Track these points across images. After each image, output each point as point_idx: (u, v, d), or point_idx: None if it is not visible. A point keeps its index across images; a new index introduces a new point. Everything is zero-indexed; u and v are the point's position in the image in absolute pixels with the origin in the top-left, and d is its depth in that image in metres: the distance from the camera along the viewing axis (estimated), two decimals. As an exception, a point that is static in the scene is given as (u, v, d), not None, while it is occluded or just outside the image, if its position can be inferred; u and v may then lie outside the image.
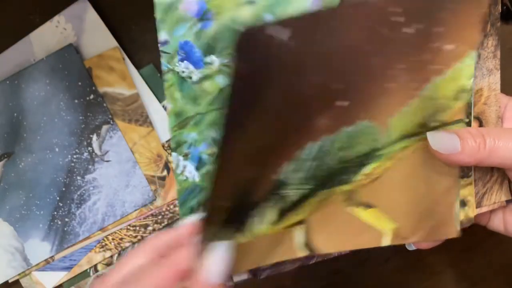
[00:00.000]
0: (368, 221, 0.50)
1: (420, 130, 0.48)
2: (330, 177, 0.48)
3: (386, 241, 0.50)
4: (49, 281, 0.74)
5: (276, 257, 0.49)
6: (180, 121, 0.46)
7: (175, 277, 0.40)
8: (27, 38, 0.74)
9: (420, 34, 0.44)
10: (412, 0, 0.42)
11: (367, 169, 0.49)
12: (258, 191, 0.45)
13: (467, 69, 0.47)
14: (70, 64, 0.73)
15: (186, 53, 0.44)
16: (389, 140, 0.48)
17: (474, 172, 0.51)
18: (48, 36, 0.74)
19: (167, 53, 0.45)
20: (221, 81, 0.46)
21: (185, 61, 0.45)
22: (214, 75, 0.45)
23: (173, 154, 0.47)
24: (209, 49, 0.45)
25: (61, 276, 0.74)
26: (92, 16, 0.74)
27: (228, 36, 0.45)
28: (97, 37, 0.74)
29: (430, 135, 0.48)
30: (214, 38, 0.45)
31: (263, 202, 0.46)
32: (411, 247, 0.52)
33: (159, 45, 0.44)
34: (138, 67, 0.74)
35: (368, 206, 0.50)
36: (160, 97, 0.74)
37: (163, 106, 0.74)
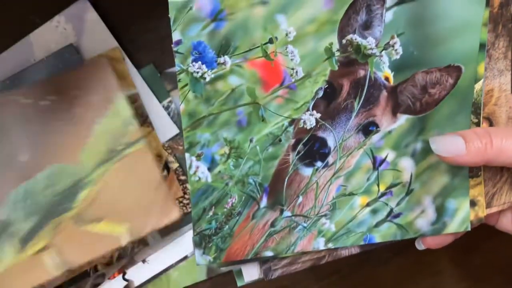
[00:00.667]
0: (103, 230, 0.63)
1: (112, 155, 0.63)
2: (51, 208, 0.62)
3: (125, 239, 0.61)
4: (48, 282, 0.73)
5: (31, 282, 0.62)
6: (193, 121, 0.46)
7: None
8: (27, 38, 0.74)
9: (58, 101, 0.66)
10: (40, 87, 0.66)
11: (81, 196, 0.62)
12: None
13: (122, 106, 0.65)
14: (71, 64, 0.72)
15: (200, 54, 0.44)
16: (87, 171, 0.63)
17: (484, 172, 0.51)
18: (48, 36, 0.74)
19: (180, 53, 0.44)
20: (234, 81, 0.45)
21: (198, 62, 0.45)
22: (227, 75, 0.45)
23: (186, 154, 0.47)
24: (222, 49, 0.45)
25: (61, 277, 0.73)
26: (92, 16, 0.73)
27: (241, 36, 0.45)
28: (97, 37, 0.74)
29: (431, 141, 0.47)
30: (227, 38, 0.45)
31: None
32: (421, 247, 0.52)
33: (172, 45, 0.44)
34: (138, 67, 0.73)
35: (98, 220, 0.62)
36: (160, 97, 0.73)
37: (163, 106, 0.74)
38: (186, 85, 0.45)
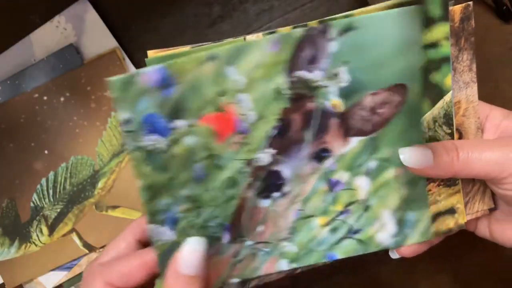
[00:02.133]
0: (121, 216, 0.76)
1: (124, 148, 0.75)
2: (74, 196, 0.76)
3: None
4: (49, 281, 0.77)
5: (64, 259, 0.76)
6: (153, 193, 0.46)
7: (141, 267, 0.47)
8: (28, 38, 0.75)
9: (73, 97, 0.76)
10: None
11: (100, 185, 0.76)
12: (22, 217, 0.76)
13: None
14: (71, 64, 0.74)
15: (151, 125, 0.44)
16: (105, 161, 0.76)
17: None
18: (49, 36, 0.75)
19: (131, 131, 0.44)
20: (188, 141, 0.46)
21: (151, 134, 0.44)
22: (181, 138, 0.45)
23: (149, 226, 0.47)
24: (173, 114, 0.45)
25: (61, 276, 0.77)
26: (92, 16, 0.74)
27: (192, 97, 0.45)
28: (97, 37, 0.75)
29: (401, 152, 0.48)
30: (178, 102, 0.45)
31: (30, 223, 0.76)
32: (395, 255, 0.53)
33: (120, 126, 0.43)
34: (138, 67, 0.74)
35: (115, 207, 0.76)
36: (159, 97, 0.75)
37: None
38: (141, 161, 0.45)
